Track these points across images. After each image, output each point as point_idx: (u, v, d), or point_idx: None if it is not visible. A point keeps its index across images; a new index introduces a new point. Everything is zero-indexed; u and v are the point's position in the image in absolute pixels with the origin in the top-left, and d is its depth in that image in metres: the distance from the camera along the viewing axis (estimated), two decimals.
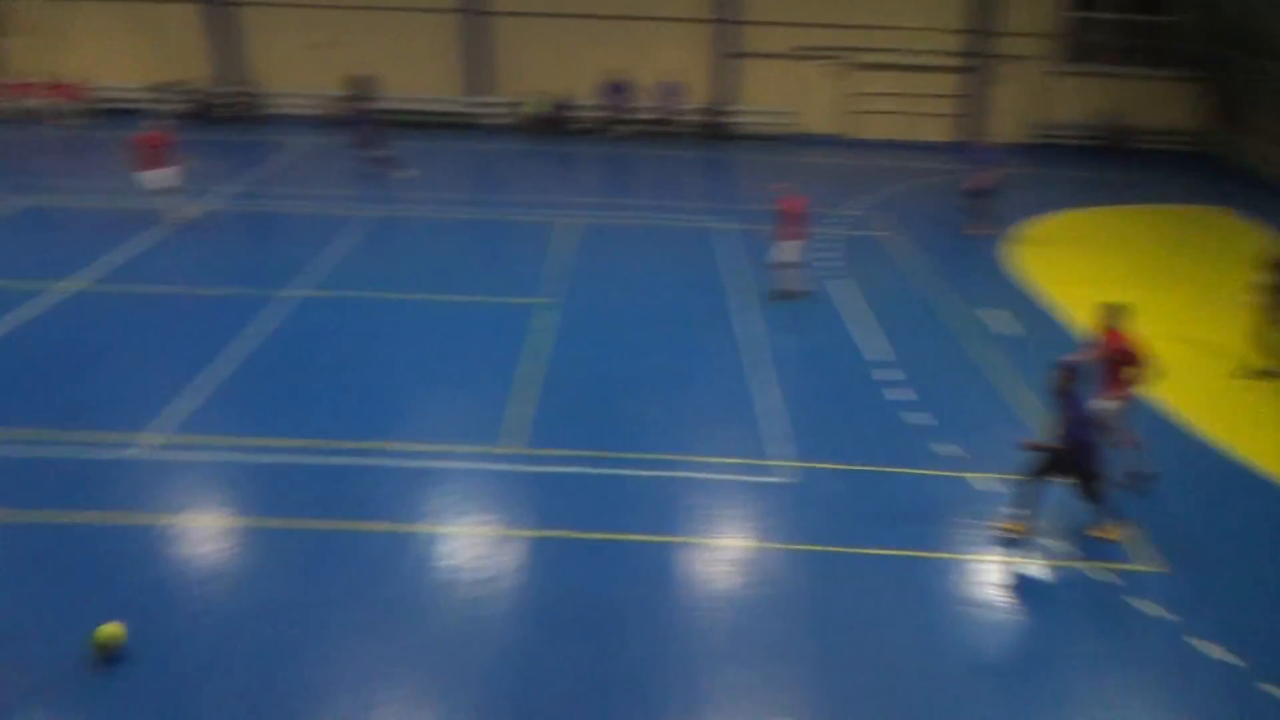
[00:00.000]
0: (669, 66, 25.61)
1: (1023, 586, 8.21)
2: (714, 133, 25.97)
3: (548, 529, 8.65)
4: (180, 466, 9.41)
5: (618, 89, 25.53)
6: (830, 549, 8.53)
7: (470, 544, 8.42)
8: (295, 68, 26.00)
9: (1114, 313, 9.52)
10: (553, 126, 25.78)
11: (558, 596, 7.78)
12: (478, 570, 8.07)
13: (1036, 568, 8.43)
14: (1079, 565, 8.45)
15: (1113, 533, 8.74)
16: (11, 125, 24.32)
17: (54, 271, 14.36)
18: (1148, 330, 9.78)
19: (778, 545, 8.58)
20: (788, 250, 14.18)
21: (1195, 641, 7.54)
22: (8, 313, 12.84)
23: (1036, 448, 8.44)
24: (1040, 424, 9.45)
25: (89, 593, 7.58)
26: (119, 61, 25.83)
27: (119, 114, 25.31)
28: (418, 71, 26.03)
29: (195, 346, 12.08)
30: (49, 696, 6.57)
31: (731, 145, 25.73)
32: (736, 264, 16.01)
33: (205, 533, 8.45)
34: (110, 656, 6.86)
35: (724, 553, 8.47)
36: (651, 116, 25.75)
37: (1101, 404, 9.13)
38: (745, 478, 9.62)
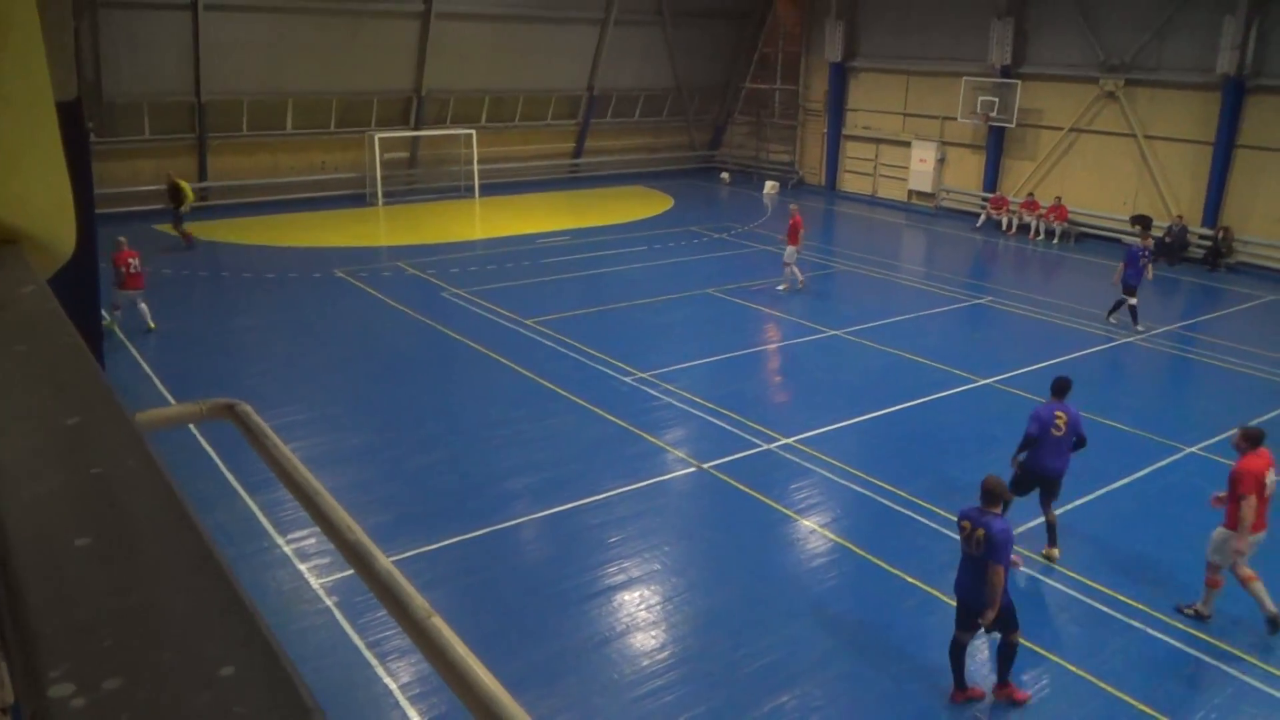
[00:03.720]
0: None
1: None
2: None
3: None
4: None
5: None
6: None
7: None
8: None
9: None
10: None
11: None
12: None
13: None
14: None
15: None
16: (1005, 235, 27.69)
17: (970, 364, 15.83)
18: None
19: None
20: None
21: None
22: (931, 393, 14.64)
23: None
24: None
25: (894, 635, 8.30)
26: (1105, 190, 26.91)
27: (1092, 239, 26.62)
28: None
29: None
30: None
31: None
32: None
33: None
34: None
35: None
36: None
37: None
38: None
